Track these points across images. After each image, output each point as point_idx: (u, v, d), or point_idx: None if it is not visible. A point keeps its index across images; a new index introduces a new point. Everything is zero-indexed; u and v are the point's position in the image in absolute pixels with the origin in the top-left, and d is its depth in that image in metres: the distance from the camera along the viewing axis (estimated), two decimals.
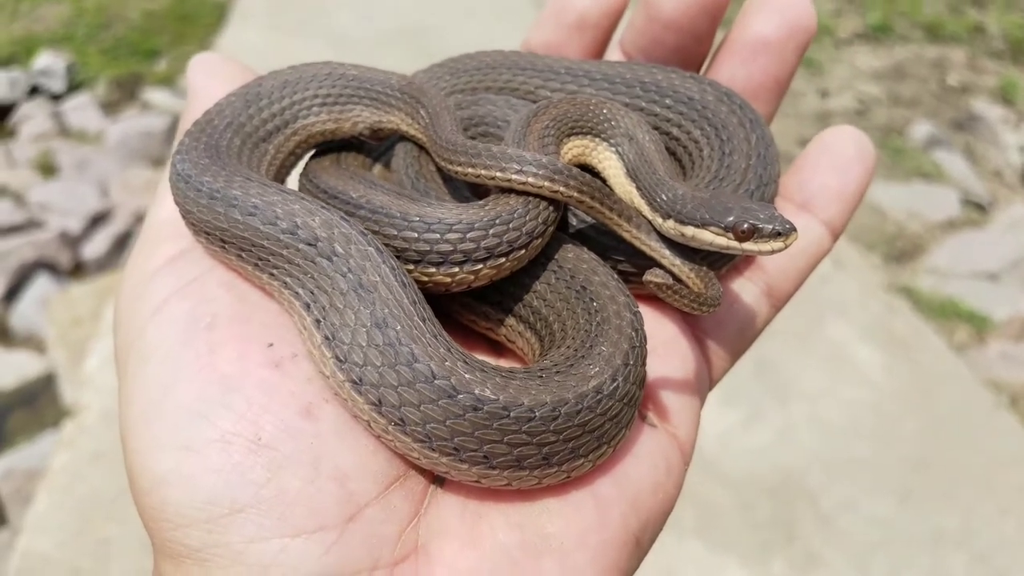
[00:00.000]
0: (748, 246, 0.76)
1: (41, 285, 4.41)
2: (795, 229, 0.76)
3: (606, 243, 0.85)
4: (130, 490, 0.68)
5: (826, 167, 0.90)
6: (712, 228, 0.77)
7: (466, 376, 0.65)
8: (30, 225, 4.76)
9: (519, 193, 0.78)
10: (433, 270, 0.76)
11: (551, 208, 0.79)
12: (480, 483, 0.68)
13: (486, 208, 0.77)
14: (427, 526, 0.67)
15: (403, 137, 0.93)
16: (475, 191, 0.89)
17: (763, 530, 3.11)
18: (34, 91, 6.34)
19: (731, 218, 0.76)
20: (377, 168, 0.95)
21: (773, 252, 0.76)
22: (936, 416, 3.61)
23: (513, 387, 0.66)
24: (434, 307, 0.73)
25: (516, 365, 0.83)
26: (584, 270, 0.80)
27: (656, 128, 0.92)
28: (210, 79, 0.91)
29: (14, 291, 4.39)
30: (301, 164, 0.93)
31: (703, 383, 0.86)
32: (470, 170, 0.81)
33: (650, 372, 0.78)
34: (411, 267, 0.76)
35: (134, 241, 4.63)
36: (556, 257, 0.82)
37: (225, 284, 0.76)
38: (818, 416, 3.58)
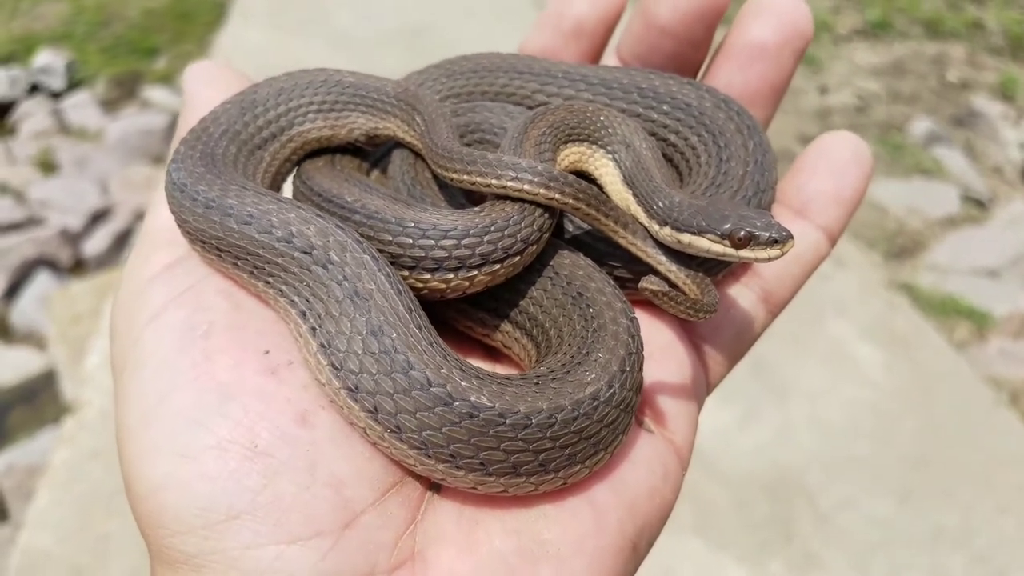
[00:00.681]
0: (745, 253, 0.77)
1: (41, 282, 4.41)
2: (792, 236, 0.76)
3: (602, 249, 0.85)
4: (127, 497, 0.69)
5: (823, 172, 0.90)
6: (709, 235, 0.77)
7: (462, 383, 0.66)
8: (30, 222, 4.76)
9: (515, 200, 0.78)
10: (428, 276, 0.76)
11: (547, 215, 0.79)
12: (476, 490, 0.68)
13: (481, 214, 0.77)
14: (424, 532, 0.67)
15: (399, 144, 0.93)
16: (471, 198, 0.89)
17: (761, 529, 3.12)
18: (34, 89, 6.34)
19: (728, 225, 0.76)
20: (374, 175, 0.94)
21: (770, 259, 0.76)
22: (936, 414, 3.61)
23: (509, 394, 0.66)
24: (430, 313, 0.73)
25: (512, 371, 0.83)
26: (580, 276, 0.80)
27: (653, 134, 0.92)
28: (206, 87, 0.91)
29: (15, 288, 4.40)
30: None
31: (700, 388, 0.86)
32: (466, 177, 0.80)
33: (647, 377, 0.78)
34: (406, 273, 0.76)
35: (134, 238, 4.64)
36: (552, 263, 0.82)
37: (221, 292, 0.76)
38: (817, 414, 3.58)
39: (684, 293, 0.79)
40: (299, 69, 0.93)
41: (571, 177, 0.79)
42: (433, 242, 0.75)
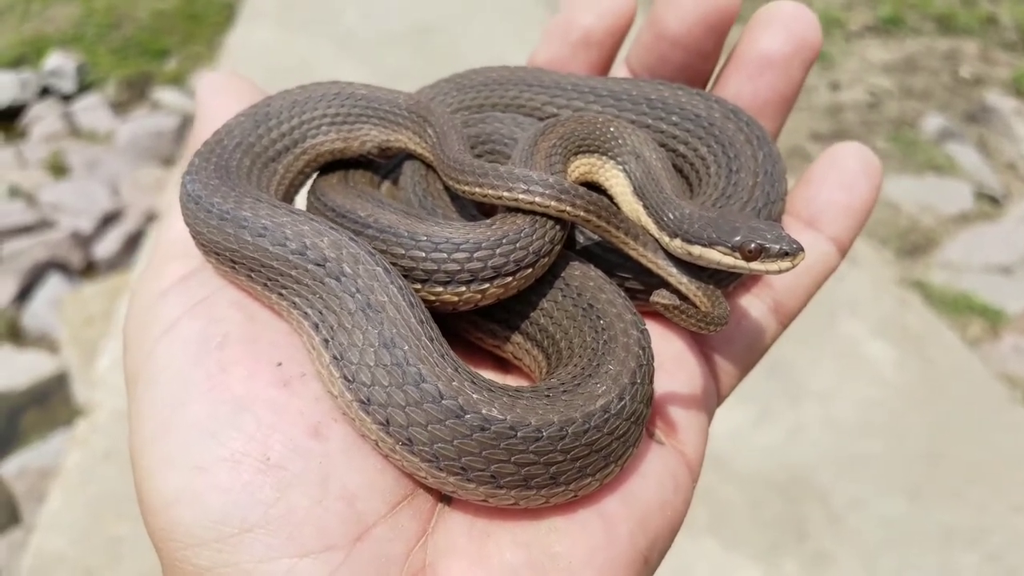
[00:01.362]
0: (755, 266, 0.76)
1: (53, 285, 4.44)
2: (802, 249, 0.76)
3: (613, 261, 0.85)
4: (140, 510, 0.69)
5: (833, 183, 0.90)
6: (719, 248, 0.77)
7: (473, 396, 0.66)
8: (42, 225, 4.79)
9: (526, 212, 0.78)
10: (440, 289, 0.76)
11: (558, 227, 0.79)
12: (487, 502, 0.68)
13: (493, 227, 0.77)
14: (435, 545, 0.67)
15: (411, 156, 0.93)
16: (482, 209, 0.89)
17: (774, 528, 3.11)
18: (45, 92, 6.38)
19: (738, 238, 0.76)
20: (385, 186, 0.95)
21: (780, 272, 0.76)
22: (949, 412, 3.60)
23: (520, 407, 0.66)
24: (441, 324, 0.73)
25: (523, 383, 0.83)
26: (591, 288, 0.80)
27: (663, 145, 0.92)
28: (219, 98, 0.91)
29: (27, 291, 4.43)
30: (310, 182, 0.93)
31: (711, 399, 0.86)
32: (477, 189, 0.81)
33: (658, 388, 0.78)
34: (418, 286, 0.76)
35: (145, 240, 4.67)
36: (563, 275, 0.82)
37: (235, 303, 0.76)
38: (829, 413, 3.57)
39: (695, 306, 0.79)
40: (312, 82, 0.93)
41: (582, 189, 0.79)
42: (445, 255, 0.75)
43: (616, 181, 0.87)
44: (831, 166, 0.91)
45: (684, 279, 0.81)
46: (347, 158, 0.93)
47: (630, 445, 0.71)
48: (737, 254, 0.76)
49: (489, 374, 0.84)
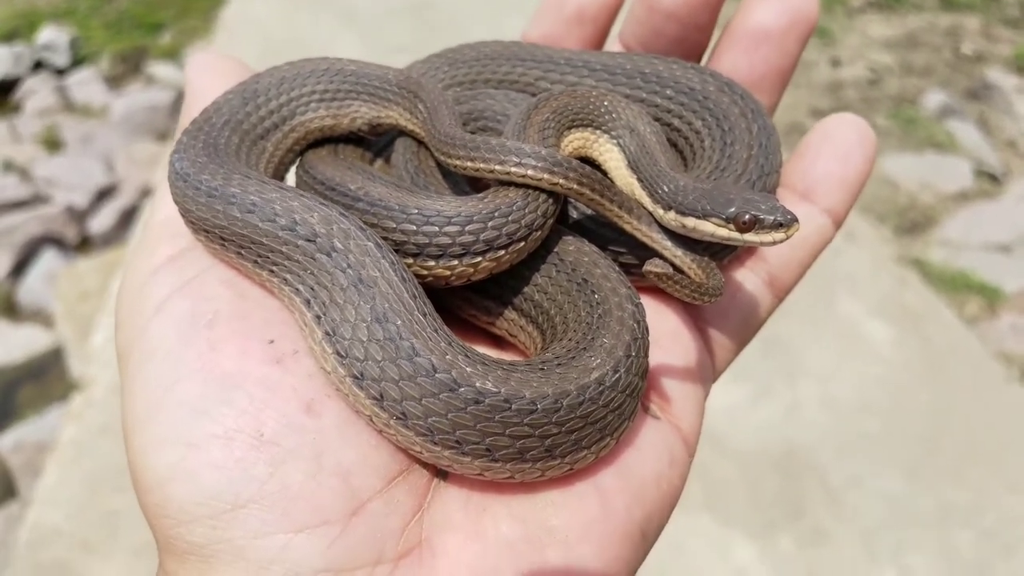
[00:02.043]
0: (750, 237, 0.76)
1: (48, 260, 4.44)
2: (796, 220, 0.75)
3: (607, 235, 0.85)
4: (134, 489, 0.69)
5: (828, 155, 0.89)
6: (713, 219, 0.77)
7: (467, 369, 0.65)
8: (36, 200, 4.78)
9: (519, 186, 0.78)
10: (432, 263, 0.76)
11: (551, 200, 0.78)
12: (483, 476, 0.68)
13: (485, 200, 0.77)
14: (431, 520, 0.67)
15: (402, 132, 0.92)
16: (475, 186, 0.88)
17: (772, 506, 3.13)
18: (38, 66, 6.33)
19: (732, 209, 0.76)
20: (377, 164, 0.94)
21: (775, 243, 0.76)
22: (947, 390, 3.61)
23: (515, 380, 0.66)
24: (435, 302, 0.72)
25: (518, 359, 0.83)
26: (585, 263, 0.80)
27: (657, 119, 0.91)
28: (208, 77, 0.91)
29: (21, 266, 4.43)
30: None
31: (707, 373, 0.86)
32: (469, 163, 0.80)
33: (653, 363, 0.78)
34: (410, 260, 0.76)
35: (140, 215, 4.65)
36: (557, 250, 0.81)
37: (225, 282, 0.76)
38: (827, 391, 3.58)
39: (689, 276, 0.78)
40: (302, 58, 0.92)
41: (575, 162, 0.78)
42: (437, 229, 0.75)
43: (610, 155, 0.86)
44: (825, 138, 0.90)
45: (679, 251, 0.80)
46: (337, 135, 0.93)
47: (625, 418, 0.71)
48: (731, 226, 0.76)
49: (484, 351, 0.84)
